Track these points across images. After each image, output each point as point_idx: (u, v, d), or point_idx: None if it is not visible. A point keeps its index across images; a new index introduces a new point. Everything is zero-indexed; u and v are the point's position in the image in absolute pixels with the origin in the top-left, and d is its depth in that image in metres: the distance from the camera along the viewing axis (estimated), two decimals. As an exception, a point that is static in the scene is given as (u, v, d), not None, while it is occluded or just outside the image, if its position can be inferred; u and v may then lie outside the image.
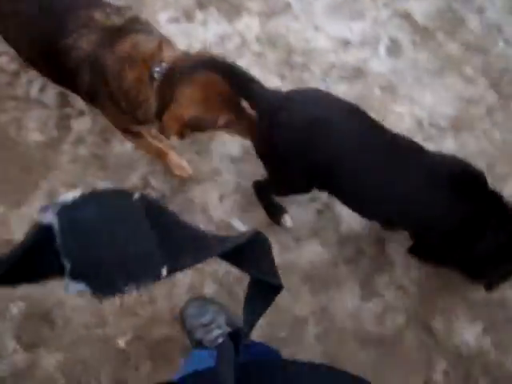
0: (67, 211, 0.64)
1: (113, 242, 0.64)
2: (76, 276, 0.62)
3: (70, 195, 0.65)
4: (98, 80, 1.72)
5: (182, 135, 1.73)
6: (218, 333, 1.82)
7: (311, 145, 1.63)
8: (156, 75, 1.62)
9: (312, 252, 2.12)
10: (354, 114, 1.69)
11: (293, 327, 1.98)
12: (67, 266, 0.62)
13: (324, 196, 2.15)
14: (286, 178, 1.82)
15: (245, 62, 2.52)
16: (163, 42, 1.72)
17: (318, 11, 2.74)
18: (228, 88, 1.68)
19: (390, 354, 1.96)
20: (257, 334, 1.94)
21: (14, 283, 0.63)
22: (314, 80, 2.50)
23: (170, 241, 0.67)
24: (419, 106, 2.42)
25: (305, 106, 1.67)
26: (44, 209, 0.64)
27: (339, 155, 1.64)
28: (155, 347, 1.97)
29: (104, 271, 0.63)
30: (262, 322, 1.97)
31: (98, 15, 1.73)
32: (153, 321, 2.00)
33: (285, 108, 1.65)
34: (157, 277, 0.65)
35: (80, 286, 0.62)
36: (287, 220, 2.12)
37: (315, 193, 2.16)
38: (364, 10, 2.75)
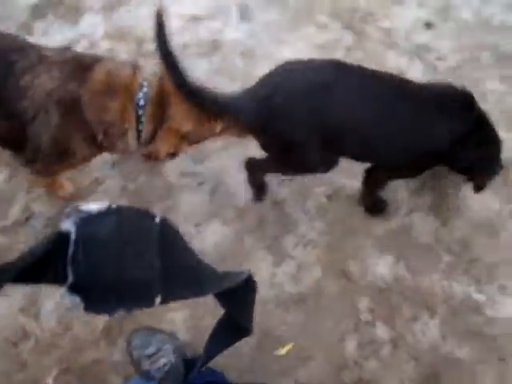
0: (86, 223, 0.65)
1: (119, 263, 0.65)
2: (75, 290, 0.64)
3: (95, 206, 0.67)
4: (70, 118, 1.57)
5: (176, 152, 1.74)
6: (164, 361, 1.75)
7: (314, 111, 1.64)
8: (142, 101, 1.57)
9: (215, 233, 2.10)
10: (341, 69, 1.72)
11: (215, 313, 1.94)
12: (70, 278, 0.63)
13: (212, 176, 2.14)
14: (301, 155, 1.79)
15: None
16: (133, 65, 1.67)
17: (159, -7, 2.68)
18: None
19: (315, 309, 1.98)
20: (182, 327, 1.92)
21: (18, 282, 0.64)
22: (173, 63, 2.45)
23: (173, 271, 0.69)
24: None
25: (293, 81, 1.69)
26: (67, 215, 0.66)
27: (344, 111, 1.67)
28: (85, 374, 1.88)
29: (102, 291, 0.65)
30: (184, 315, 1.94)
31: (49, 52, 1.60)
32: (75, 348, 1.91)
33: (274, 93, 1.65)
34: (149, 304, 0.67)
35: (75, 299, 0.64)
36: None
37: (203, 175, 2.15)
38: (204, -20, 2.72)
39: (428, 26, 2.61)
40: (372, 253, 2.07)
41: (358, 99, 1.67)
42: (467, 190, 2.14)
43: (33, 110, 1.54)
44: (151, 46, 2.45)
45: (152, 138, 1.63)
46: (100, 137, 1.59)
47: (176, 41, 2.46)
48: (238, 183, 2.06)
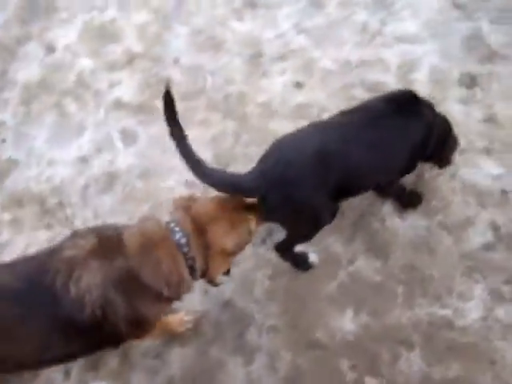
0: None
1: None
2: None
3: None
4: (131, 290, 1.55)
5: (229, 270, 1.81)
6: None
7: (326, 170, 1.74)
8: (183, 239, 1.59)
9: (179, 357, 2.06)
10: (325, 127, 1.85)
11: None
12: None
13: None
14: (319, 213, 1.85)
15: (5, 238, 2.40)
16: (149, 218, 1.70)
17: (41, 148, 2.71)
18: (232, 198, 1.72)
19: (298, 388, 1.96)
20: None
21: None
22: (80, 211, 2.45)
23: None
24: (177, 173, 2.48)
25: (291, 149, 1.76)
26: None
27: (345, 156, 1.77)
28: None
29: None
30: None
31: (68, 252, 1.54)
32: None
33: (277, 164, 1.72)
34: None
35: None
36: (312, 256, 2.19)
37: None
38: (81, 121, 2.77)
39: (298, 85, 2.75)
40: (331, 313, 2.08)
41: (347, 139, 1.79)
42: (390, 218, 2.22)
43: (99, 309, 1.51)
44: (53, 199, 2.48)
45: (206, 267, 1.67)
46: (165, 291, 1.59)
47: (72, 187, 2.52)
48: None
